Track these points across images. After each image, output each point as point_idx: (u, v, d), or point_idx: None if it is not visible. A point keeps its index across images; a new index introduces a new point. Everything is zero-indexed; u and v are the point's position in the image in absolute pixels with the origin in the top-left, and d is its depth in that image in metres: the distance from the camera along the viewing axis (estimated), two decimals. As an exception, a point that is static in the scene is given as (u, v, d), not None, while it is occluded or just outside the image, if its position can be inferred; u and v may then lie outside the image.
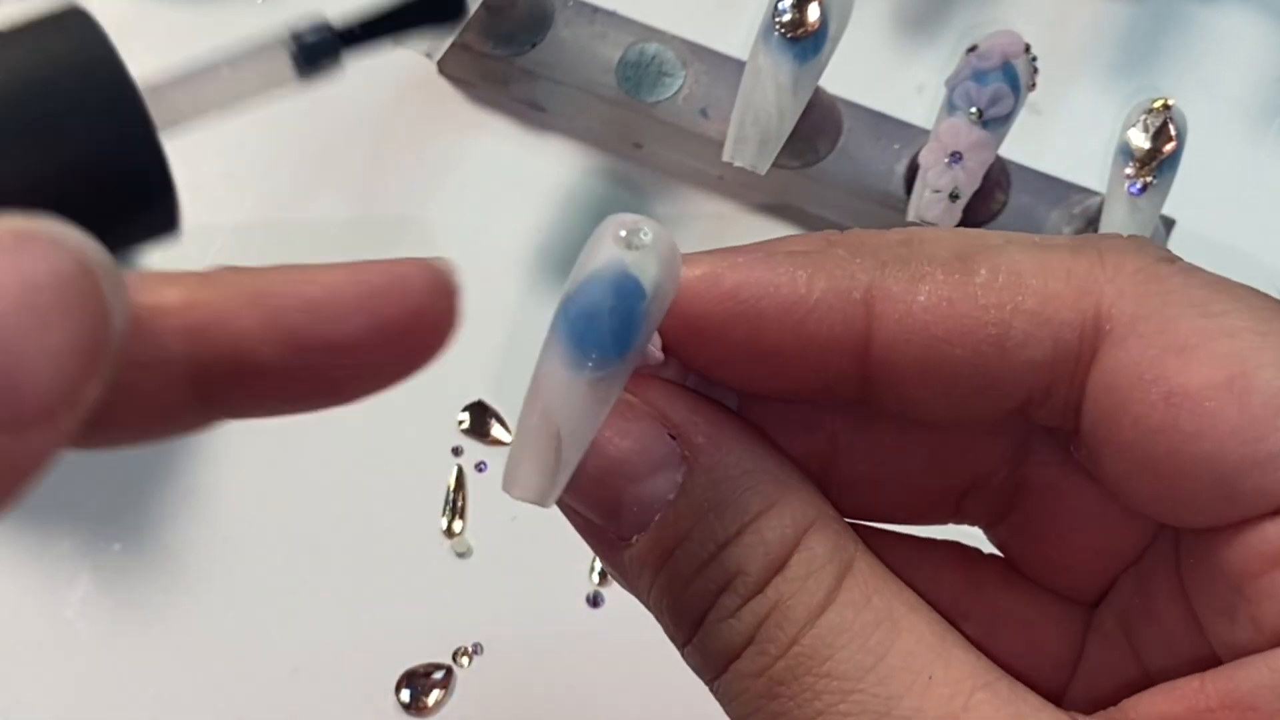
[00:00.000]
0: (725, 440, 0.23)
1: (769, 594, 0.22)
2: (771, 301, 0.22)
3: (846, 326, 0.22)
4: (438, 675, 0.44)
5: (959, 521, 0.28)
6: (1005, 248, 0.23)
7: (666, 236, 0.21)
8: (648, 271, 0.21)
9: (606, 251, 0.21)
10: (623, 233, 0.21)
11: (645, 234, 0.21)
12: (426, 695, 0.44)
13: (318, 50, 0.19)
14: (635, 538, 0.23)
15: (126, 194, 0.18)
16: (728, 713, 0.23)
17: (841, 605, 0.22)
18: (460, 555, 0.46)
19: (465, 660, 0.44)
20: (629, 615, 0.28)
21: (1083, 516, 0.26)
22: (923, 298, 0.22)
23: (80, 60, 0.18)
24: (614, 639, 0.45)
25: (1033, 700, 0.22)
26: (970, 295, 0.22)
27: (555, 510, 0.51)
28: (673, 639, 0.23)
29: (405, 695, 0.44)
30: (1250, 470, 0.21)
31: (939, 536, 0.28)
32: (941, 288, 0.22)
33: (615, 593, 0.45)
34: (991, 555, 0.28)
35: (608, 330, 0.21)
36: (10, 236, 0.15)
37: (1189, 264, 0.23)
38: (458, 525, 0.46)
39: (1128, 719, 0.23)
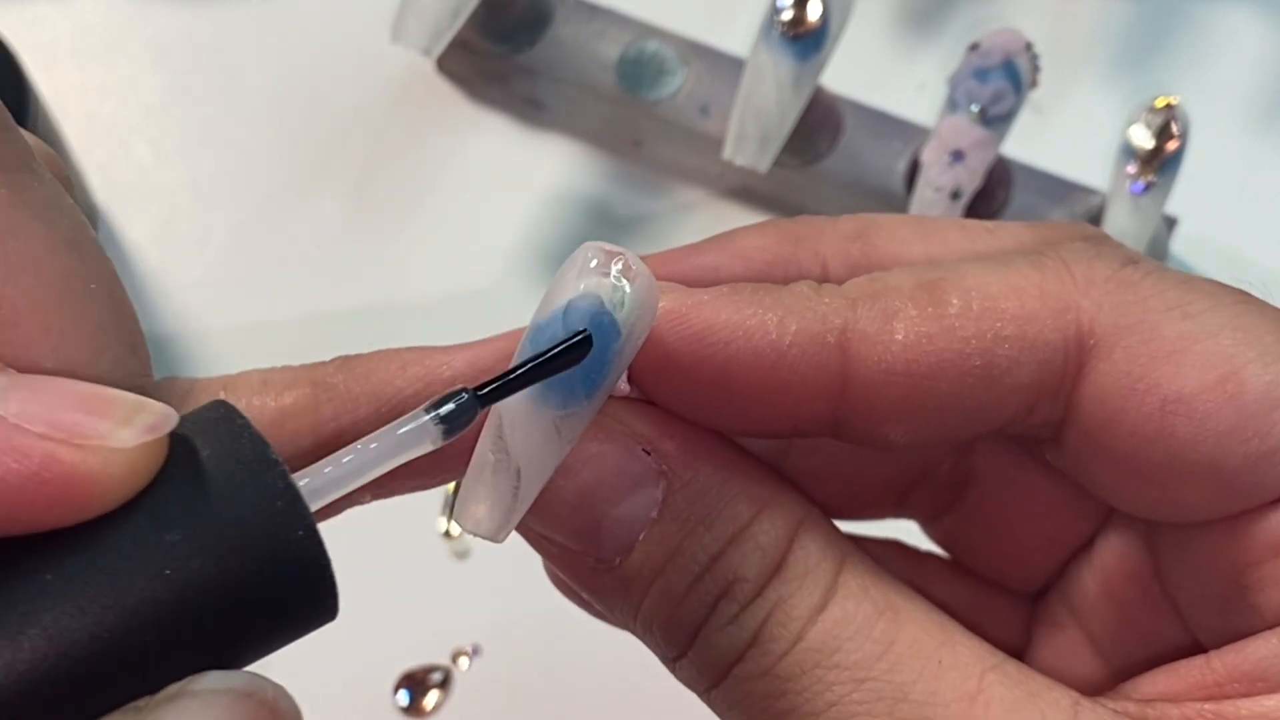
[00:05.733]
0: (701, 451, 0.22)
1: (768, 595, 0.21)
2: (742, 346, 0.21)
3: (821, 372, 0.22)
4: (436, 676, 0.44)
5: (901, 516, 0.28)
6: (967, 270, 0.22)
7: (646, 272, 0.20)
8: (624, 308, 0.20)
9: (583, 282, 0.20)
10: (598, 263, 0.20)
11: (625, 267, 0.20)
12: (424, 697, 0.44)
13: (459, 420, 0.20)
14: (618, 560, 0.22)
15: (294, 600, 0.20)
16: (726, 718, 0.23)
17: (842, 598, 0.21)
18: (459, 556, 0.46)
19: (463, 662, 0.44)
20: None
21: (1030, 505, 0.26)
22: (900, 336, 0.22)
23: (241, 473, 0.18)
24: (613, 640, 0.45)
25: (1041, 679, 0.21)
26: (948, 329, 0.22)
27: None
28: (662, 655, 0.23)
29: (403, 697, 0.44)
30: (1251, 467, 0.21)
31: (878, 535, 0.27)
32: (917, 324, 0.22)
33: (615, 594, 0.45)
34: (931, 553, 0.28)
35: (577, 369, 0.20)
36: (215, 695, 0.18)
37: (1152, 263, 0.23)
38: (456, 527, 0.46)
39: (1131, 700, 0.23)
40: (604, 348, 0.20)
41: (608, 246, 0.20)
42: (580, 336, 0.20)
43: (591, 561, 0.22)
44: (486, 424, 0.21)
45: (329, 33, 0.52)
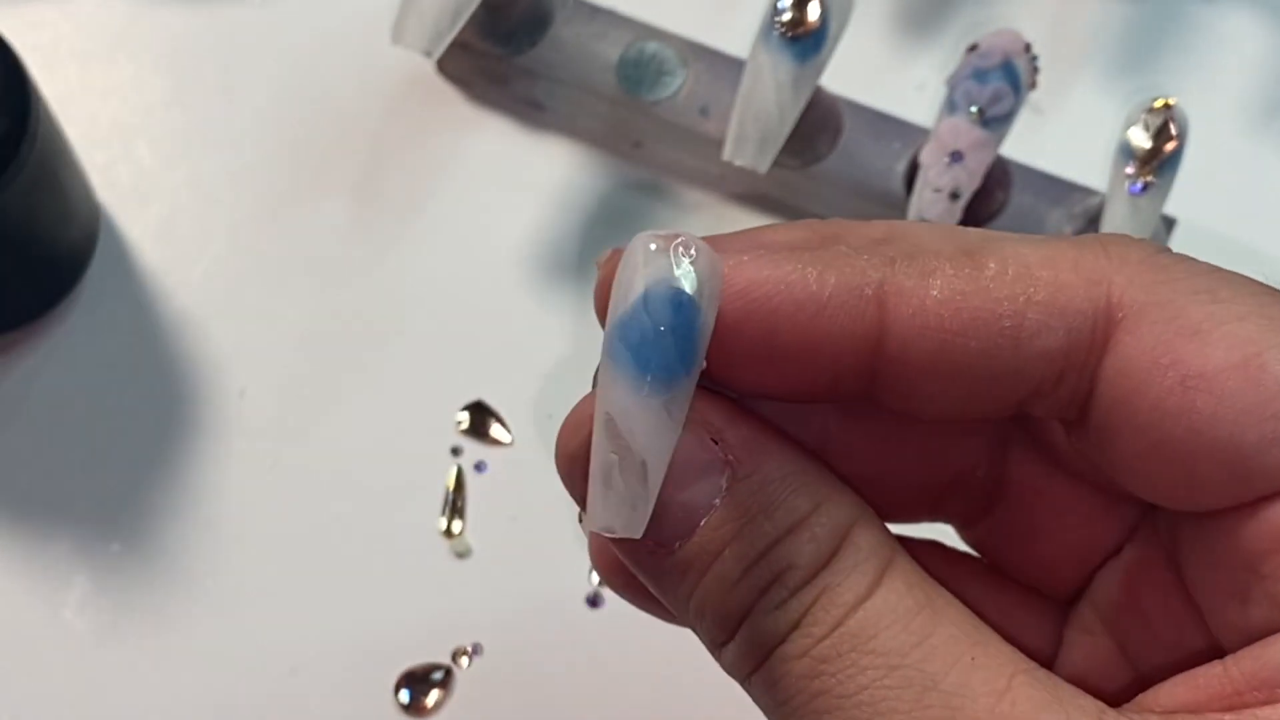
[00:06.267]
0: (767, 443, 0.23)
1: (816, 583, 0.22)
2: (784, 300, 0.22)
3: (859, 323, 0.22)
4: (437, 676, 0.44)
5: (935, 519, 0.28)
6: (1006, 242, 0.23)
7: (705, 246, 0.21)
8: (697, 283, 0.21)
9: (653, 269, 0.21)
10: (658, 247, 0.21)
11: (688, 246, 0.21)
12: (425, 696, 0.44)
13: None
14: (677, 544, 0.23)
15: None
16: (764, 703, 0.23)
17: (886, 591, 0.22)
18: (459, 555, 0.46)
19: (464, 661, 0.44)
20: (628, 616, 0.28)
21: (1061, 512, 0.27)
22: (935, 292, 0.22)
23: None
24: (613, 639, 0.45)
25: (1069, 687, 0.22)
26: (983, 289, 0.22)
27: (555, 510, 0.51)
28: (710, 640, 0.23)
29: (404, 696, 0.44)
30: (1267, 448, 0.21)
31: (916, 536, 0.28)
32: (953, 281, 0.22)
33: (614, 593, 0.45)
34: (965, 554, 0.28)
35: (673, 349, 0.21)
36: None
37: (1185, 255, 0.23)
38: (457, 525, 0.46)
39: (1154, 712, 0.23)
40: (690, 325, 0.21)
41: (661, 231, 0.21)
42: None
43: (651, 544, 0.23)
44: (596, 429, 0.21)
45: (330, 34, 0.52)
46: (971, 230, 0.25)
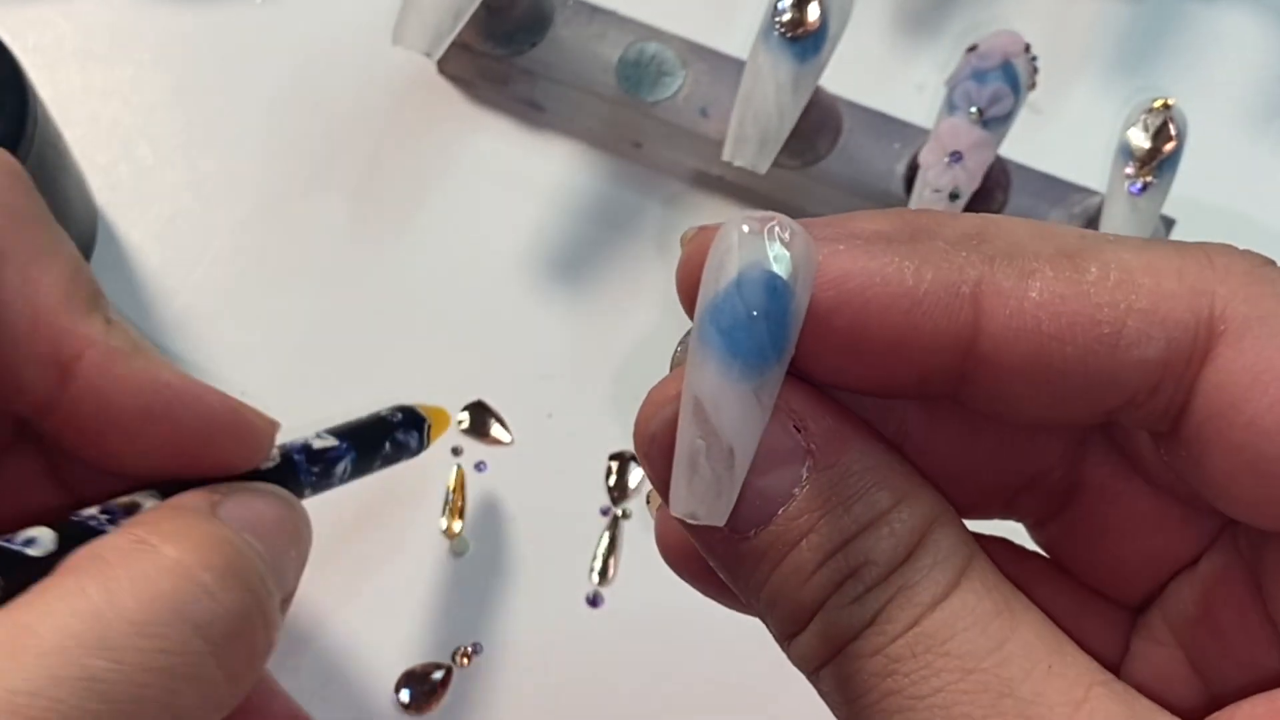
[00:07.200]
0: (850, 435, 0.22)
1: (894, 580, 0.22)
2: (879, 292, 0.22)
3: (953, 321, 0.22)
4: (437, 675, 0.44)
5: (1007, 517, 0.28)
6: (1106, 244, 0.23)
7: (800, 230, 0.21)
8: (792, 267, 0.20)
9: (748, 252, 0.20)
10: (752, 229, 0.21)
11: (782, 230, 0.20)
12: (426, 696, 0.44)
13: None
14: (753, 531, 0.22)
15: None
16: (832, 699, 0.23)
17: (964, 592, 0.22)
18: (459, 555, 0.46)
19: (464, 660, 0.44)
20: (628, 615, 0.28)
21: (1137, 519, 0.26)
22: (1034, 294, 0.22)
23: None
24: (613, 639, 0.45)
25: (1146, 702, 0.22)
26: (1083, 293, 0.22)
27: (554, 510, 0.51)
28: (779, 631, 0.23)
29: (405, 695, 0.44)
30: None
31: (985, 532, 0.28)
32: (1053, 284, 0.22)
33: (614, 593, 0.45)
34: (1034, 553, 0.28)
35: (765, 335, 0.20)
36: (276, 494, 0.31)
37: None
38: (457, 525, 0.46)
39: None
40: (784, 310, 0.20)
41: (757, 214, 0.21)
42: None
43: (726, 531, 0.22)
44: (683, 413, 0.21)
45: (330, 35, 0.52)
46: (1069, 229, 0.24)
